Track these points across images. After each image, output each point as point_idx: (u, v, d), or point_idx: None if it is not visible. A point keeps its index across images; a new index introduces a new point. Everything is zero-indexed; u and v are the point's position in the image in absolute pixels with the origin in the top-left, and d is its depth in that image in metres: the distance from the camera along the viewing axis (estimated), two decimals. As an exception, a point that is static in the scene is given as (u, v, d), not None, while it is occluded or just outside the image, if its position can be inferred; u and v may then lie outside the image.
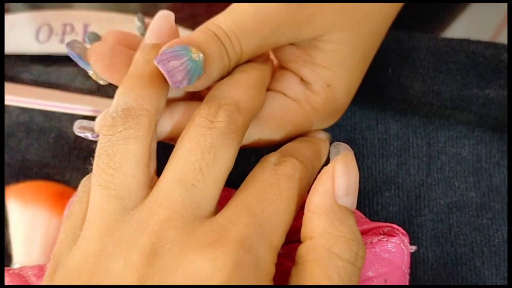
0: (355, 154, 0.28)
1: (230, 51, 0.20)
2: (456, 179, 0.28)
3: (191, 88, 0.20)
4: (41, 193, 0.29)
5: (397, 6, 0.24)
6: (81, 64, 0.21)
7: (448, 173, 0.28)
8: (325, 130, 0.25)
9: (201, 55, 0.19)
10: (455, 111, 0.28)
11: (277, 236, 0.17)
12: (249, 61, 0.22)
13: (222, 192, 0.18)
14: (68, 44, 0.21)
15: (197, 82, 0.19)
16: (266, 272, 0.16)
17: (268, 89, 0.23)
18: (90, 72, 0.22)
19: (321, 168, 0.19)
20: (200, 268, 0.15)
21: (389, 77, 0.29)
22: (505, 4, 0.83)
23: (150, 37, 0.21)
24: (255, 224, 0.17)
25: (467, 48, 0.29)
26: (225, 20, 0.20)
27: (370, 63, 0.25)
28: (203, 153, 0.18)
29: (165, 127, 0.21)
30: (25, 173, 0.31)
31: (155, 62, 0.19)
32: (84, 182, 0.21)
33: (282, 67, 0.24)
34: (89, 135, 0.21)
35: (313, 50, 0.22)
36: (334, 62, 0.22)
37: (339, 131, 0.29)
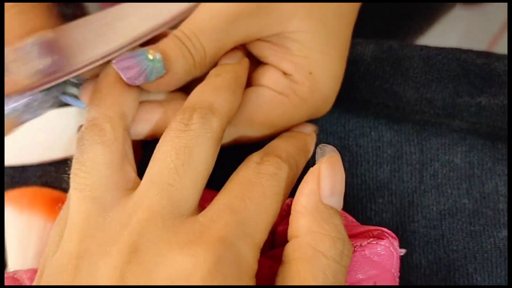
0: (349, 161, 0.29)
1: (192, 49, 0.21)
2: (448, 186, 0.28)
3: (160, 87, 0.22)
4: (36, 199, 0.29)
5: None
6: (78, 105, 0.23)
7: (441, 180, 0.28)
8: (318, 138, 0.26)
9: (157, 54, 0.20)
10: (447, 118, 0.28)
11: (259, 233, 0.17)
12: (223, 63, 0.23)
13: (207, 194, 0.19)
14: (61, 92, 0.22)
15: (162, 80, 0.21)
16: (247, 269, 0.16)
17: (253, 85, 0.24)
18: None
19: (307, 168, 0.19)
20: (181, 265, 0.16)
21: (382, 85, 0.29)
22: (504, 11, 0.83)
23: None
24: (236, 222, 0.17)
25: (459, 56, 0.29)
26: (185, 24, 0.22)
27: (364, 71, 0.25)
28: (178, 153, 0.18)
29: (148, 126, 0.22)
30: (25, 182, 0.31)
31: (112, 64, 0.20)
32: None
33: (263, 63, 0.24)
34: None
35: (288, 42, 0.23)
36: (310, 50, 0.23)
37: (333, 138, 0.29)
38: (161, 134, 0.20)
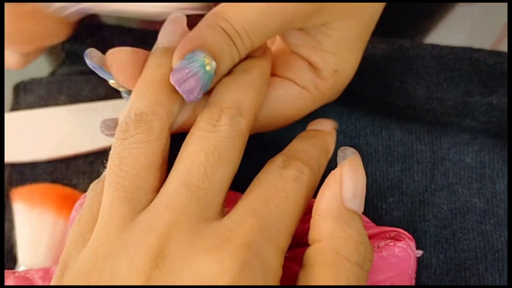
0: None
1: (240, 48, 0.20)
2: (459, 185, 0.28)
3: None
4: (47, 195, 0.29)
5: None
6: (102, 74, 0.21)
7: (452, 179, 0.28)
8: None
9: (213, 63, 0.19)
10: (458, 117, 0.28)
11: (284, 239, 0.17)
12: (250, 56, 0.22)
13: (229, 196, 0.18)
14: (86, 55, 0.21)
15: None
16: (273, 274, 0.16)
17: (278, 76, 0.24)
18: (111, 82, 0.22)
19: (329, 171, 0.19)
20: (207, 270, 0.16)
21: (393, 84, 0.29)
22: (504, 14, 0.83)
23: (161, 41, 0.21)
24: (261, 226, 0.17)
25: (471, 56, 0.29)
26: (235, 16, 0.20)
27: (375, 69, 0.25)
28: (207, 155, 0.18)
29: (182, 115, 0.21)
30: (35, 179, 0.31)
31: (172, 81, 0.19)
32: (93, 186, 0.21)
33: (290, 51, 0.24)
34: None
35: (321, 36, 0.22)
36: (340, 48, 0.23)
37: (344, 137, 0.29)
38: (187, 131, 0.19)
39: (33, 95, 0.33)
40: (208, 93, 0.21)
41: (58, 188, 0.30)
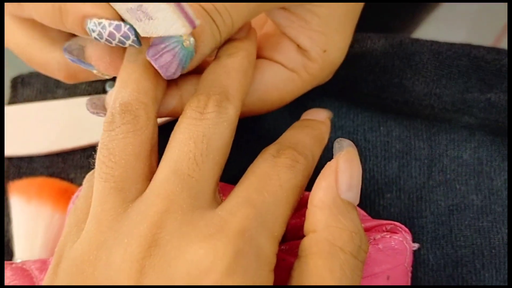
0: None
1: (221, 26, 0.20)
2: (457, 182, 0.28)
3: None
4: (44, 189, 0.29)
5: None
6: (82, 65, 0.21)
7: (449, 175, 0.28)
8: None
9: (191, 39, 0.19)
10: (456, 114, 0.28)
11: (278, 227, 0.17)
12: (234, 38, 0.22)
13: (226, 188, 0.18)
14: (65, 49, 0.21)
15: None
16: (267, 262, 0.16)
17: (266, 58, 0.23)
18: (94, 71, 0.22)
19: (324, 163, 0.19)
20: (200, 259, 0.16)
21: (392, 79, 0.29)
22: (505, 13, 0.83)
23: None
24: (255, 215, 0.17)
25: (469, 52, 0.29)
26: None
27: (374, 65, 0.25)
28: (196, 143, 0.18)
29: (171, 103, 0.21)
30: (32, 173, 0.31)
31: (147, 57, 0.19)
32: (88, 177, 0.21)
33: (279, 33, 0.24)
34: (102, 114, 0.21)
35: (308, 15, 0.22)
36: (329, 27, 0.23)
37: (342, 133, 0.29)
38: (176, 118, 0.19)
39: (30, 88, 0.33)
40: (197, 80, 0.21)
41: (55, 182, 0.30)
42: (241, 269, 0.15)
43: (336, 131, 0.29)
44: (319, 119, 0.23)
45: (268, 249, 0.17)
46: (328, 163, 0.18)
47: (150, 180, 0.18)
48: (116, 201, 0.18)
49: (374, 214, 0.28)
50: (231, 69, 0.20)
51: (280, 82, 0.23)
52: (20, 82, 0.34)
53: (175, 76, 0.20)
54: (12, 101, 0.33)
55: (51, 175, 0.31)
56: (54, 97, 0.32)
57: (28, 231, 0.28)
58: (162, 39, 0.19)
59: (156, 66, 0.19)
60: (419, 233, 0.27)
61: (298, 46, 0.23)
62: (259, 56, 0.23)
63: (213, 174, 0.18)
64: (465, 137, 0.29)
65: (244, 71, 0.21)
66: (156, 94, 0.20)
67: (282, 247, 0.20)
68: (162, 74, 0.19)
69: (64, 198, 0.28)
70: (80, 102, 0.31)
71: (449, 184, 0.28)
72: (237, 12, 0.20)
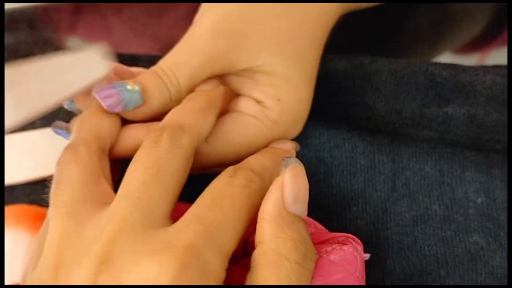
0: (324, 172, 0.30)
1: (168, 84, 0.24)
2: (420, 193, 0.29)
3: (138, 116, 0.24)
4: (22, 216, 0.30)
5: (326, 21, 0.26)
6: (67, 137, 0.25)
7: (413, 187, 0.29)
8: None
9: (136, 86, 0.23)
10: (416, 128, 0.30)
11: (228, 243, 0.18)
12: (198, 89, 0.25)
13: (184, 207, 0.19)
14: (53, 128, 0.25)
15: (139, 110, 0.23)
16: (213, 276, 0.17)
17: (228, 112, 0.25)
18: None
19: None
20: (147, 271, 0.17)
21: (354, 98, 0.31)
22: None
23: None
24: (204, 231, 0.18)
25: (426, 69, 0.31)
26: (164, 59, 0.24)
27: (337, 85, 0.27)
28: (147, 168, 0.19)
29: (124, 145, 0.24)
30: (14, 201, 0.32)
31: (93, 93, 0.22)
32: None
33: (237, 94, 0.26)
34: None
35: (256, 75, 0.25)
36: (277, 80, 0.25)
37: (308, 150, 0.31)
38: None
39: (10, 120, 0.34)
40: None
41: (34, 209, 0.30)
42: (186, 281, 0.16)
43: (303, 149, 0.31)
44: (284, 147, 0.25)
45: (216, 264, 0.17)
46: (275, 179, 0.19)
47: (104, 204, 0.20)
48: (69, 224, 0.19)
49: (342, 227, 0.29)
50: (190, 109, 0.23)
51: (241, 125, 0.25)
52: None
53: (116, 110, 0.23)
54: (-7, 133, 0.34)
55: (32, 202, 0.32)
56: (32, 127, 0.34)
57: (7, 258, 0.29)
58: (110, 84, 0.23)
59: (98, 98, 0.23)
60: (385, 244, 0.28)
61: (255, 100, 0.25)
62: (220, 111, 0.25)
63: (165, 196, 0.19)
64: (426, 150, 0.30)
65: (202, 110, 0.23)
66: (100, 133, 0.23)
67: (242, 262, 0.21)
68: (102, 104, 0.23)
69: (39, 224, 0.29)
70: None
71: (412, 196, 0.29)
72: (180, 71, 0.24)
